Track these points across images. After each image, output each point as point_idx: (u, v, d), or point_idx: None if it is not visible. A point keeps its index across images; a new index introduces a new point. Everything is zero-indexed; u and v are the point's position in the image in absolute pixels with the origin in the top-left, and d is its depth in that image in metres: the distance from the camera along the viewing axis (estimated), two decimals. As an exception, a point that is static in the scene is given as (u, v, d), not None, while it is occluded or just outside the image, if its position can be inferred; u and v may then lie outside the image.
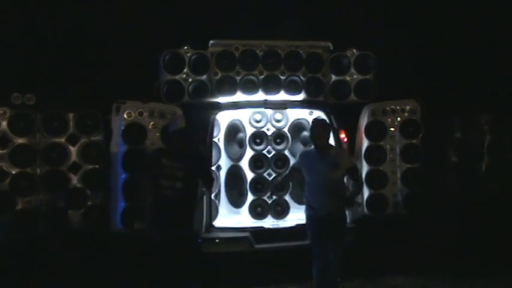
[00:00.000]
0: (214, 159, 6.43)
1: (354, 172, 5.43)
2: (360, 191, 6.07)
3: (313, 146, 5.36)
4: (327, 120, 5.71)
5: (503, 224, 6.59)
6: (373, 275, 6.22)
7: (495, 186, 6.76)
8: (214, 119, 6.29)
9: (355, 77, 6.68)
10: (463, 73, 7.29)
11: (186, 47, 6.22)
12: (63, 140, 5.83)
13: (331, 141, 6.24)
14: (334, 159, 5.18)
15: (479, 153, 6.78)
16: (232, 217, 6.71)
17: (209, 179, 5.45)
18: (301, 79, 6.50)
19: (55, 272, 5.57)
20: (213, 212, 6.23)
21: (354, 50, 6.66)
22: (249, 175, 6.72)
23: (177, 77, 6.23)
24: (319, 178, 5.16)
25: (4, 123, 5.66)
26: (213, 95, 6.33)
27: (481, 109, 6.78)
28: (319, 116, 6.10)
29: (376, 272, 6.25)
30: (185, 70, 6.23)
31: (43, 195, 5.70)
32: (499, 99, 6.84)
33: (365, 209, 6.40)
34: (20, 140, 5.71)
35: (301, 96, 6.60)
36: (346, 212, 5.45)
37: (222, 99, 6.38)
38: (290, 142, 6.80)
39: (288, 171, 6.04)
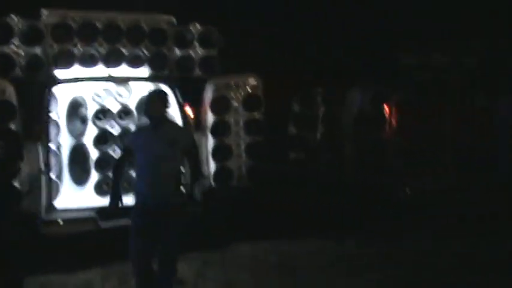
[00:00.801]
0: (52, 137, 6.08)
1: (192, 154, 4.68)
2: (196, 180, 4.92)
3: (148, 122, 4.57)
4: (165, 92, 4.97)
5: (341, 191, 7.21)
6: (219, 244, 6.42)
7: (328, 156, 7.36)
8: (51, 94, 5.94)
9: (199, 51, 6.75)
10: (303, 50, 7.76)
11: (14, 16, 5.75)
12: None
13: (176, 117, 6.30)
14: (170, 135, 4.39)
15: (315, 125, 7.31)
16: (76, 196, 6.45)
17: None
18: (144, 53, 6.40)
19: None
20: (53, 192, 5.94)
21: (198, 25, 6.72)
22: (93, 152, 6.50)
23: (5, 48, 5.76)
24: (150, 158, 4.32)
25: None
26: (49, 69, 5.98)
27: (316, 83, 7.29)
28: (156, 88, 5.90)
29: (222, 241, 6.45)
30: (14, 42, 5.78)
31: None
32: (332, 74, 7.42)
33: (211, 182, 6.56)
34: None
35: (145, 71, 6.51)
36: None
37: (60, 74, 6.04)
38: (136, 118, 6.69)
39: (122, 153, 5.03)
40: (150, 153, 4.32)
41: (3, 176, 4.77)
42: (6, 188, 5.03)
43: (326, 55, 7.45)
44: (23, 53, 5.86)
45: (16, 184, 5.43)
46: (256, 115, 6.79)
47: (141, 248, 4.26)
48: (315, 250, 6.28)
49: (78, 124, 6.54)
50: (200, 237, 5.70)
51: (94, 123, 6.48)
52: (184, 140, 4.53)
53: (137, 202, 4.39)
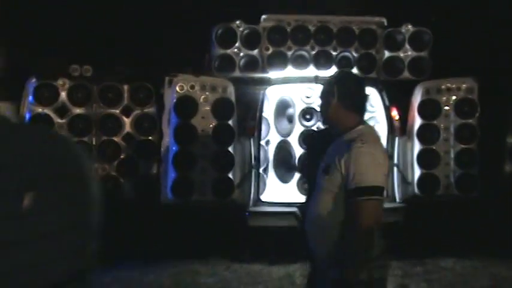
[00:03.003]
0: (263, 134, 6.47)
1: (352, 204, 2.63)
2: (358, 255, 2.69)
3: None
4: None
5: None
6: (422, 256, 6.12)
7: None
8: (265, 93, 6.32)
9: (409, 53, 6.51)
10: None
11: (238, 22, 6.26)
12: (117, 111, 6.02)
13: (382, 121, 6.18)
14: (332, 155, 2.73)
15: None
16: (280, 191, 6.74)
17: None
18: (353, 55, 6.40)
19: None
20: (261, 186, 6.31)
21: (409, 26, 6.48)
22: (298, 151, 6.73)
23: (229, 51, 6.28)
24: (312, 193, 2.89)
25: (63, 94, 5.92)
26: (264, 70, 6.36)
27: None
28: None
29: (425, 253, 6.14)
30: (237, 44, 6.28)
31: (98, 164, 5.94)
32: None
33: (415, 189, 6.27)
34: (78, 110, 5.97)
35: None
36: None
37: (272, 74, 6.39)
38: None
39: None
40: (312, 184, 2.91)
41: (219, 168, 5.21)
42: (223, 180, 5.50)
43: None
44: (242, 55, 6.33)
45: (230, 176, 5.87)
46: (470, 121, 6.28)
47: None
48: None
49: (285, 123, 6.85)
50: (403, 246, 5.49)
51: (300, 122, 6.71)
52: (349, 170, 2.63)
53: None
